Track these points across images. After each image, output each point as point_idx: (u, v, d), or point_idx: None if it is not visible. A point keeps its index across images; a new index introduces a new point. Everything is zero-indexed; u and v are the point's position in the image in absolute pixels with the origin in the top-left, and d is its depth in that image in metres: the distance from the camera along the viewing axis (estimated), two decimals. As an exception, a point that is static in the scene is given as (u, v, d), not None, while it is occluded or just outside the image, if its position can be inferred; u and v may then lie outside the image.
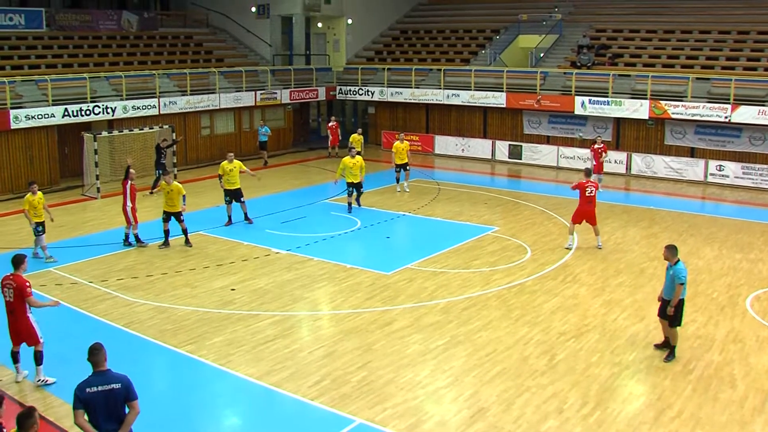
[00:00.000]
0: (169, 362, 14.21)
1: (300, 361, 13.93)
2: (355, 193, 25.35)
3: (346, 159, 25.14)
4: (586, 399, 12.29)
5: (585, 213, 20.83)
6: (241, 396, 13.01)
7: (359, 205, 25.49)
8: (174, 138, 29.90)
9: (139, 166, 30.32)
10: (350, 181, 25.02)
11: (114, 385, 8.94)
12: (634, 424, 11.56)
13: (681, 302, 13.70)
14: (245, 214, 23.88)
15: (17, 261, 13.07)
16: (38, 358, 13.13)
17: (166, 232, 21.64)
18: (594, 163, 29.12)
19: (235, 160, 23.82)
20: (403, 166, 28.58)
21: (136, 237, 21.77)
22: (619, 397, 12.43)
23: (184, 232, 21.52)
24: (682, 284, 13.56)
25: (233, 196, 23.73)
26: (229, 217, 23.86)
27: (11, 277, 12.91)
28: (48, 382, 13.22)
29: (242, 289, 17.89)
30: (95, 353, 9.10)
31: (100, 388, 8.90)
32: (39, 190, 20.82)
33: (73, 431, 11.47)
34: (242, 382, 13.23)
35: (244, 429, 12.04)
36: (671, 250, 13.86)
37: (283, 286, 18.13)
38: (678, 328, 13.97)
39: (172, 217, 21.37)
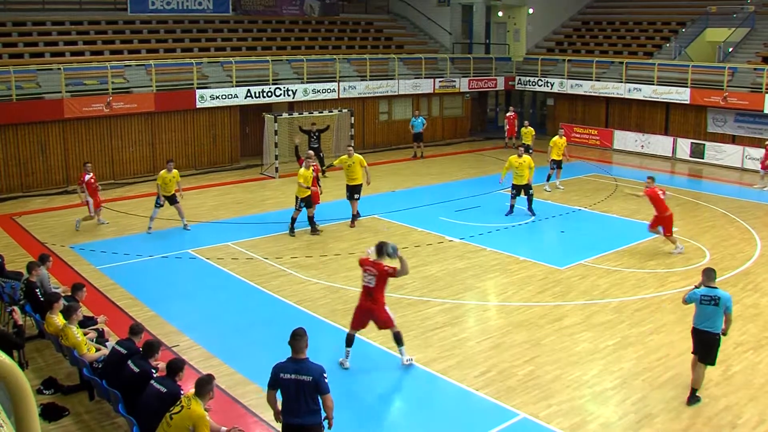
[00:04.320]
0: (338, 342, 14.51)
1: (467, 350, 14.02)
2: (525, 197, 23.67)
3: (512, 158, 23.60)
4: (764, 416, 11.72)
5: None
6: (406, 380, 13.18)
7: (532, 213, 23.69)
8: (321, 127, 29.75)
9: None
10: (516, 183, 23.51)
11: (305, 377, 9.01)
12: (817, 448, 11.00)
13: (692, 330, 12.17)
14: (354, 215, 22.72)
15: (379, 250, 12.92)
16: (399, 339, 13.25)
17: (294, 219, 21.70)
18: (763, 159, 28.72)
19: (355, 155, 22.73)
20: (558, 163, 27.42)
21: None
22: (801, 418, 11.80)
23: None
24: (684, 302, 12.25)
25: (352, 191, 22.58)
26: (356, 213, 22.82)
27: (371, 263, 12.89)
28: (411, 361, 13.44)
29: (414, 275, 17.99)
30: (296, 339, 9.22)
31: (292, 376, 9.05)
32: (175, 169, 21.96)
33: (242, 399, 12.08)
34: (408, 366, 13.39)
35: (407, 413, 12.26)
36: (706, 274, 12.20)
37: (455, 274, 18.26)
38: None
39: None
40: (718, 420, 11.60)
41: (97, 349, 12.23)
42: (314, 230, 21.67)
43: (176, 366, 10.14)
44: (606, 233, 22.26)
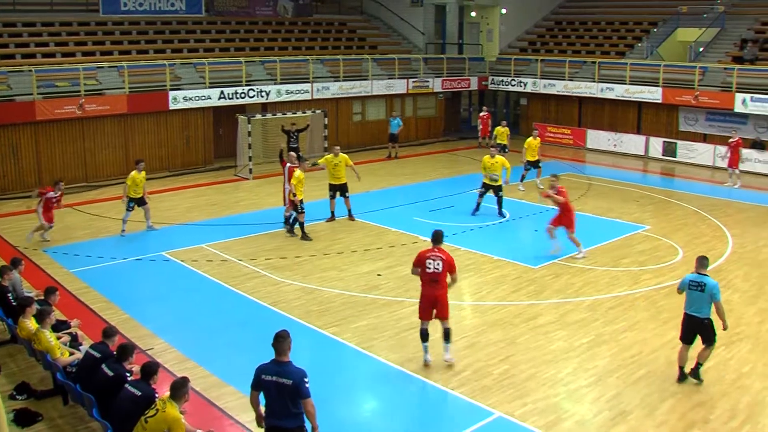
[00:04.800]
0: (313, 343, 14.55)
1: (442, 350, 14.01)
2: (494, 197, 23.63)
3: (486, 158, 23.64)
4: (735, 411, 11.87)
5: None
6: (382, 381, 13.23)
7: (501, 214, 23.75)
8: (300, 126, 30.01)
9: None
10: (486, 182, 23.58)
11: (285, 381, 8.94)
12: (787, 442, 11.12)
13: (683, 315, 12.88)
14: (349, 210, 23.19)
15: (438, 237, 13.54)
16: (448, 336, 13.49)
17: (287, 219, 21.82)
18: (729, 157, 29.17)
19: (341, 154, 22.92)
20: (535, 164, 27.39)
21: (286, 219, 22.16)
22: (771, 412, 11.94)
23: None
24: (678, 290, 12.95)
25: (338, 190, 22.93)
26: (332, 212, 23.17)
27: (435, 249, 13.33)
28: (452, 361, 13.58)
29: (388, 275, 18.14)
30: (279, 341, 9.12)
31: (273, 378, 8.99)
32: (144, 170, 21.88)
33: (218, 401, 12.05)
34: (384, 366, 13.46)
35: (382, 414, 12.27)
36: (699, 261, 12.89)
37: (429, 274, 18.25)
38: (684, 344, 12.90)
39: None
40: (691, 416, 11.71)
41: (71, 353, 12.13)
42: (290, 231, 21.64)
43: (151, 369, 10.09)
44: (579, 232, 22.26)
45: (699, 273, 12.62)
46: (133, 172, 21.45)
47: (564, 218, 19.63)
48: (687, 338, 12.76)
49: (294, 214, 21.42)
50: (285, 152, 24.34)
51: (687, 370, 12.81)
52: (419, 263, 13.29)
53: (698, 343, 12.72)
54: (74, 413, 11.62)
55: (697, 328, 12.58)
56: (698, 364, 12.75)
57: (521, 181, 27.55)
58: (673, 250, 20.40)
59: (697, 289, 12.48)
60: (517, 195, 26.25)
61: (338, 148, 23.46)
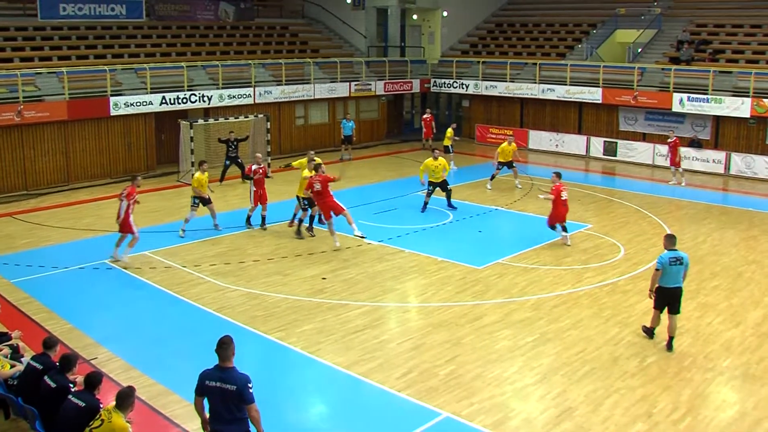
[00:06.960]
0: (259, 348, 14.45)
1: (388, 352, 14.05)
2: (442, 192, 24.53)
3: (429, 161, 24.37)
4: (677, 404, 12.07)
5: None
6: (329, 384, 13.20)
7: (452, 206, 24.63)
8: (240, 136, 29.93)
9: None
10: (432, 180, 24.35)
11: (229, 386, 8.90)
12: (726, 433, 11.32)
13: (658, 289, 14.12)
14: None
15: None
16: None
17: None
18: (669, 156, 29.91)
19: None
20: (509, 164, 28.06)
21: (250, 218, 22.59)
22: (711, 404, 12.18)
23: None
24: (657, 270, 14.00)
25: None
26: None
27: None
28: None
29: (333, 279, 18.10)
30: (222, 347, 9.08)
31: (217, 384, 8.95)
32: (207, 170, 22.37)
33: (164, 410, 11.91)
34: (330, 370, 13.42)
35: (330, 417, 12.20)
36: (669, 239, 14.47)
37: (374, 277, 18.29)
38: (658, 311, 14.38)
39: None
40: (635, 410, 11.86)
41: (12, 366, 11.86)
42: (310, 229, 22.08)
43: (94, 379, 9.94)
44: (522, 232, 22.58)
45: (672, 249, 14.10)
46: (197, 174, 21.88)
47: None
48: (661, 307, 14.25)
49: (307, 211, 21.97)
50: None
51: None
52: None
53: (663, 320, 14.37)
54: (17, 427, 11.35)
55: (671, 298, 14.08)
56: (670, 338, 14.17)
57: (491, 180, 28.18)
58: (615, 248, 20.67)
59: (677, 263, 13.93)
60: (462, 195, 26.38)
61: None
